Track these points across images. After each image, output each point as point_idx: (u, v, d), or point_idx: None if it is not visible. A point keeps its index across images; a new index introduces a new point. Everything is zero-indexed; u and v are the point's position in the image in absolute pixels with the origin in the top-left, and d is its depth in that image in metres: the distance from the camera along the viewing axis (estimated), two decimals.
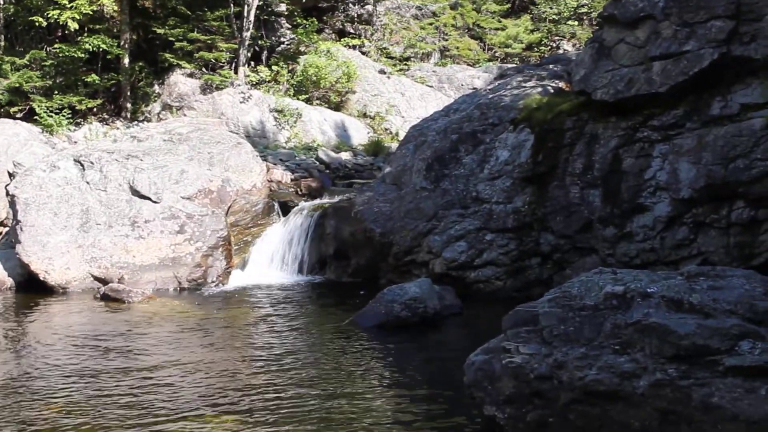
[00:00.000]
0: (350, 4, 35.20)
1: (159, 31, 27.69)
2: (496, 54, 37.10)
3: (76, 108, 26.12)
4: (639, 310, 6.88)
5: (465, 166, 15.59)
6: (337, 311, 13.81)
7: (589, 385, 6.82)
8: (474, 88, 27.40)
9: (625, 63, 14.02)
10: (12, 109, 25.37)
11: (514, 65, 28.35)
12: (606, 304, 7.08)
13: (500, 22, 37.39)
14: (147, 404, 8.83)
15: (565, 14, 36.87)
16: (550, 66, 17.84)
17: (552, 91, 16.05)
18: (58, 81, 26.66)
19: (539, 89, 16.19)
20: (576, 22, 36.88)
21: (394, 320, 12.38)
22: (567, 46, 36.58)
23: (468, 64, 35.23)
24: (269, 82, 29.29)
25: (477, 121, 16.00)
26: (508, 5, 38.97)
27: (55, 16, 25.29)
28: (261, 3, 29.29)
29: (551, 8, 37.17)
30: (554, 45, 36.93)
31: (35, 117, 24.92)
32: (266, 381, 9.74)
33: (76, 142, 23.85)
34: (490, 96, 16.66)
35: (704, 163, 13.07)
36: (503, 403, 7.32)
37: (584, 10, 36.90)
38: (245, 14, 28.39)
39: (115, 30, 27.88)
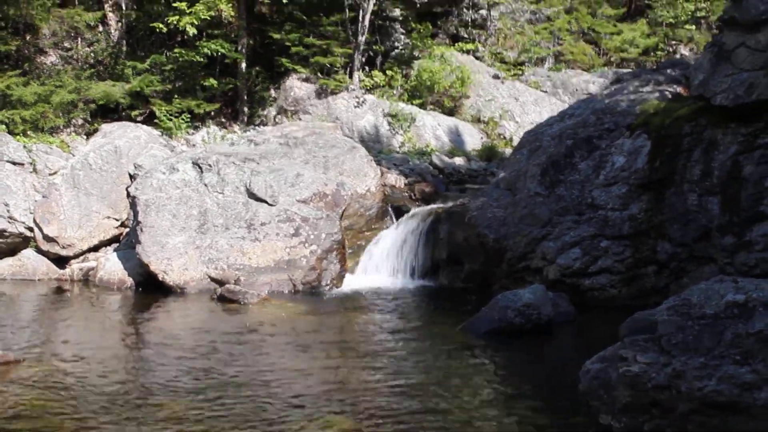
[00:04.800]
0: (464, 9, 35.11)
1: (275, 36, 28.06)
2: (612, 59, 36.64)
3: (195, 112, 26.60)
4: (761, 319, 6.75)
5: (580, 171, 15.46)
6: (449, 316, 13.79)
7: (708, 396, 6.72)
8: (589, 94, 27.16)
9: (746, 67, 13.68)
10: (133, 113, 25.97)
11: (630, 70, 27.96)
12: (727, 313, 6.96)
13: (616, 26, 36.90)
14: (264, 406, 8.96)
15: (683, 18, 36.22)
16: (668, 70, 17.59)
17: (669, 96, 15.83)
18: (177, 85, 27.22)
19: (656, 94, 15.98)
20: (693, 26, 36.21)
21: (508, 326, 12.32)
22: (684, 51, 35.96)
23: (583, 69, 34.88)
24: (383, 86, 29.43)
25: (592, 127, 15.85)
26: (624, 9, 38.44)
27: (175, 22, 25.80)
28: (376, 8, 29.43)
29: (668, 12, 36.55)
30: (671, 49, 36.33)
31: (155, 120, 25.47)
32: (380, 386, 9.80)
33: (194, 145, 24.32)
34: (606, 101, 16.50)
35: None
36: (619, 412, 7.26)
37: (702, 13, 36.19)
38: (360, 19, 28.56)
39: (232, 35, 28.34)
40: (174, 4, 25.86)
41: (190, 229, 16.40)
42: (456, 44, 33.35)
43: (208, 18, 26.26)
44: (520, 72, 33.78)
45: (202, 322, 13.80)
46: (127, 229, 18.74)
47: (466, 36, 34.65)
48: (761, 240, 13.30)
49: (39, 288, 16.93)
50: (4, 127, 21.99)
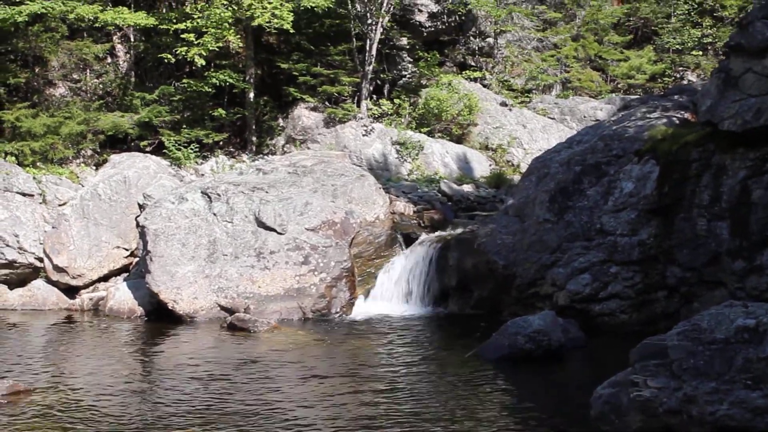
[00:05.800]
0: (471, 37, 35.22)
1: (283, 65, 28.13)
2: (619, 85, 36.67)
3: (203, 141, 26.64)
4: None
5: (589, 198, 15.46)
6: (459, 343, 13.77)
7: (720, 421, 6.69)
8: (596, 120, 27.16)
9: (753, 93, 13.66)
10: (142, 143, 26.05)
11: (637, 96, 27.96)
12: (737, 338, 6.95)
13: (623, 53, 36.90)
14: None
15: (689, 44, 36.24)
16: (675, 97, 17.61)
17: (677, 122, 15.84)
18: (185, 115, 27.27)
19: (664, 120, 15.99)
20: (700, 53, 36.21)
21: (518, 353, 12.31)
22: (691, 77, 35.96)
23: (590, 96, 34.90)
24: (391, 115, 29.45)
25: (601, 153, 15.86)
26: (631, 36, 38.49)
27: (183, 53, 25.91)
28: (383, 37, 29.53)
29: (675, 39, 36.60)
30: (678, 76, 36.35)
31: (164, 150, 25.52)
32: (390, 414, 9.78)
33: (203, 175, 24.37)
34: (614, 127, 16.51)
35: None
36: None
37: (709, 40, 36.22)
38: (367, 48, 28.64)
39: (240, 65, 28.43)
40: (182, 36, 25.97)
41: (199, 258, 16.43)
42: (463, 72, 33.40)
43: (216, 49, 26.35)
44: (528, 99, 33.80)
45: (212, 350, 13.80)
46: (137, 259, 18.77)
47: (473, 64, 34.70)
48: None
49: (49, 318, 16.96)
50: (13, 158, 22.09)
